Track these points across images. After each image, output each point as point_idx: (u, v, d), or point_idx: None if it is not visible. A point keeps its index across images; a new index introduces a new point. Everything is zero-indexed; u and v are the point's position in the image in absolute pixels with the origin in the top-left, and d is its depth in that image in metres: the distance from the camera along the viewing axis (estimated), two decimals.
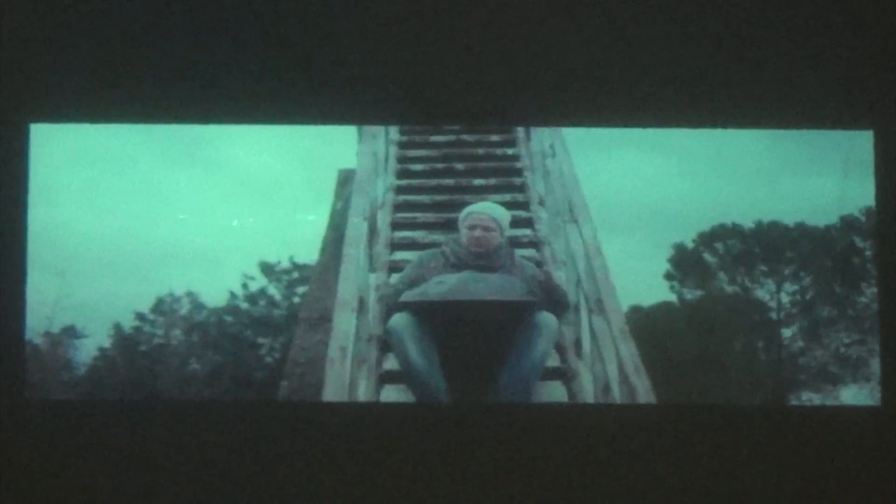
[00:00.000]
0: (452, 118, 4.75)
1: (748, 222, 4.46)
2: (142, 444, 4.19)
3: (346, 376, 4.25)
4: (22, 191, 4.27)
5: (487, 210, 5.08)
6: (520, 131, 5.88)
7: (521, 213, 5.54)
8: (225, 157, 4.52)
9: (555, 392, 4.54)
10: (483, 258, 4.94)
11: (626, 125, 4.37)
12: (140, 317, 4.47)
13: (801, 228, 4.41)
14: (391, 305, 4.81)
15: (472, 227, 4.99)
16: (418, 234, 5.50)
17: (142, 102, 4.32)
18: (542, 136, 5.62)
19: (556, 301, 4.80)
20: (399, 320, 4.64)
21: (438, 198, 5.60)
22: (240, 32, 4.32)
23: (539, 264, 5.23)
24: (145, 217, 4.37)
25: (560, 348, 4.71)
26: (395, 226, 5.54)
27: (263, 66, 4.32)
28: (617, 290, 4.48)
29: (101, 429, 4.20)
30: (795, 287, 4.48)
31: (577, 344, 4.76)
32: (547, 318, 4.65)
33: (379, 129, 5.57)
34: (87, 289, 4.34)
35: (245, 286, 4.56)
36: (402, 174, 5.87)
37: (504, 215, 5.10)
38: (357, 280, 4.72)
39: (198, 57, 4.31)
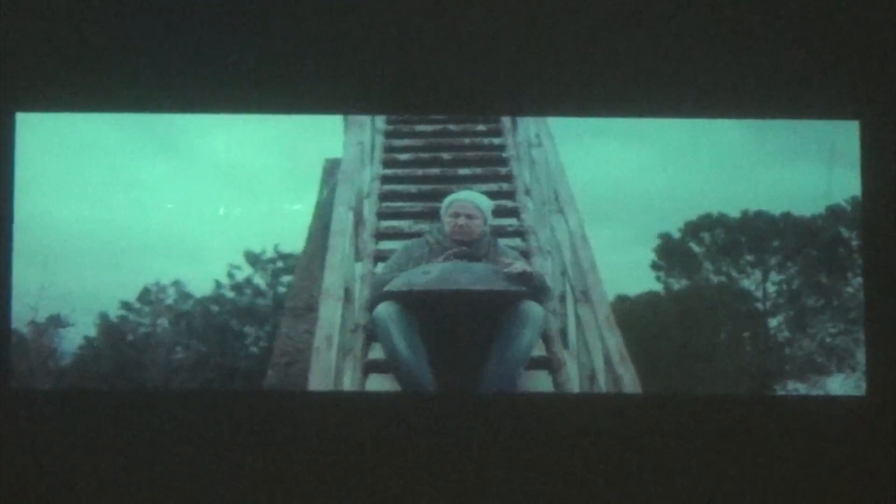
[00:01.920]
0: (438, 108, 4.78)
1: (734, 212, 4.46)
2: (128, 434, 4.20)
3: (331, 366, 4.28)
4: (7, 180, 4.26)
5: (469, 198, 5.06)
6: (506, 121, 5.86)
7: (507, 203, 5.54)
8: (211, 147, 4.51)
9: (541, 381, 4.53)
10: (466, 247, 4.90)
11: (611, 115, 4.37)
12: (126, 306, 4.46)
13: (788, 218, 4.41)
14: (377, 294, 4.75)
15: (454, 216, 4.96)
16: (404, 224, 5.49)
17: (128, 92, 4.32)
18: (528, 126, 5.61)
19: (537, 288, 4.74)
20: (385, 310, 4.60)
21: (424, 187, 5.59)
22: (226, 23, 4.32)
23: (525, 254, 5.20)
24: (131, 207, 4.36)
25: (546, 338, 4.70)
26: (381, 215, 5.52)
27: (251, 55, 4.32)
28: (603, 279, 4.48)
29: (86, 418, 4.20)
30: (781, 277, 4.49)
31: (563, 333, 4.79)
32: (532, 308, 4.61)
33: (365, 119, 5.56)
34: (73, 278, 4.33)
35: (231, 276, 4.55)
36: (388, 163, 5.85)
37: (486, 203, 5.07)
38: (343, 270, 4.75)
39: (185, 46, 4.31)
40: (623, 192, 4.49)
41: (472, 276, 4.73)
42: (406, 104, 4.54)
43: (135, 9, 4.32)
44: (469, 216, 4.97)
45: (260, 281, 4.64)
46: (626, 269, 4.51)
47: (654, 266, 4.51)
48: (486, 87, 4.41)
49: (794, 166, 4.38)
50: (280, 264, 4.68)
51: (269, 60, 4.32)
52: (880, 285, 4.24)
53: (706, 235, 4.51)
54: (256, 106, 4.35)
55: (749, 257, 4.51)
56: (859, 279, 4.30)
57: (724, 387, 4.37)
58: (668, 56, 4.35)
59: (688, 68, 4.34)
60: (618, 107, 4.36)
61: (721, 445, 4.18)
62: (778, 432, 4.20)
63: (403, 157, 5.88)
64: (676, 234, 4.49)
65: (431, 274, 4.76)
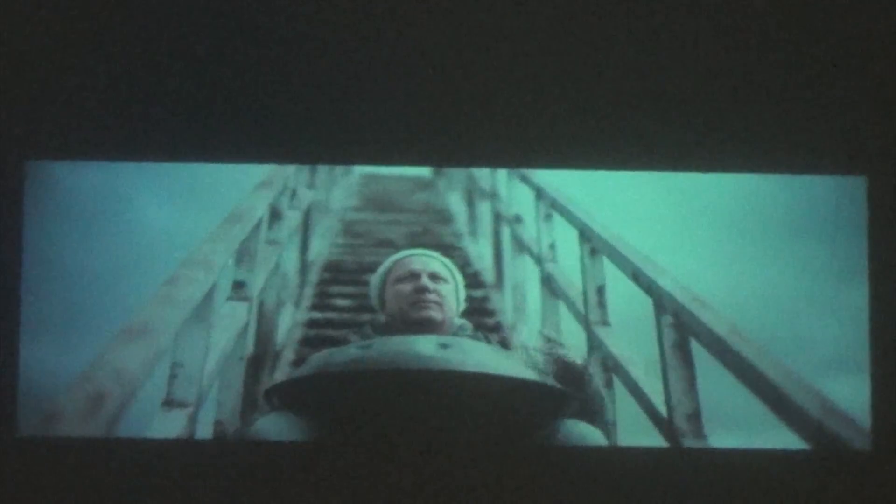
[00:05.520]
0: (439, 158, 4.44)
1: None
2: (139, 485, 4.15)
3: None
4: (17, 229, 4.26)
5: (430, 253, 3.74)
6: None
7: None
8: (225, 196, 4.52)
9: None
10: (434, 330, 3.42)
11: (607, 168, 4.32)
12: None
13: None
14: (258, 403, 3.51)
15: (408, 277, 3.56)
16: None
17: (141, 140, 4.32)
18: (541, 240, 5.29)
19: (591, 396, 3.30)
20: (268, 426, 3.22)
21: None
22: (242, 71, 4.34)
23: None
24: (143, 257, 4.35)
25: None
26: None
27: (266, 104, 4.33)
28: None
29: (95, 467, 4.17)
30: None
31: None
32: (586, 432, 3.20)
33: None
34: (82, 327, 4.31)
35: None
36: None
37: (456, 269, 3.74)
38: None
39: (201, 94, 4.33)
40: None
41: (462, 354, 3.10)
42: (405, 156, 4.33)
43: (148, 56, 4.35)
44: (434, 276, 3.57)
45: None
46: None
47: None
48: (487, 138, 4.30)
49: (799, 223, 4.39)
50: None
51: (285, 109, 4.33)
52: (886, 339, 4.24)
53: None
54: (268, 155, 4.35)
55: None
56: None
57: None
58: (668, 109, 4.36)
59: (689, 122, 4.35)
60: (614, 160, 4.32)
61: (724, 500, 4.16)
62: (781, 487, 4.17)
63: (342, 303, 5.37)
64: None
65: (374, 348, 3.16)
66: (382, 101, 4.31)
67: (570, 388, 3.25)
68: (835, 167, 4.29)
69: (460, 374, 3.04)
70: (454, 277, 3.65)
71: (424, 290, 3.49)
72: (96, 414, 2.96)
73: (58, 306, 4.24)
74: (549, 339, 3.33)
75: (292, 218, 5.28)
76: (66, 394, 3.01)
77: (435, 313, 3.46)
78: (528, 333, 4.96)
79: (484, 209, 6.23)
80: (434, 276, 3.56)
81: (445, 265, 3.67)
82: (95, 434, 3.03)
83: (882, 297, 4.26)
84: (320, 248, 5.96)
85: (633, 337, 4.43)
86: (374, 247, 6.07)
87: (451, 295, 3.58)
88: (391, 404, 3.15)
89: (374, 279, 3.71)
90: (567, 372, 3.27)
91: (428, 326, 3.44)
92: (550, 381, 3.18)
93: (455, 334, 3.45)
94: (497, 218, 5.93)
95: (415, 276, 3.54)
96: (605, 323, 4.56)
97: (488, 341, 3.51)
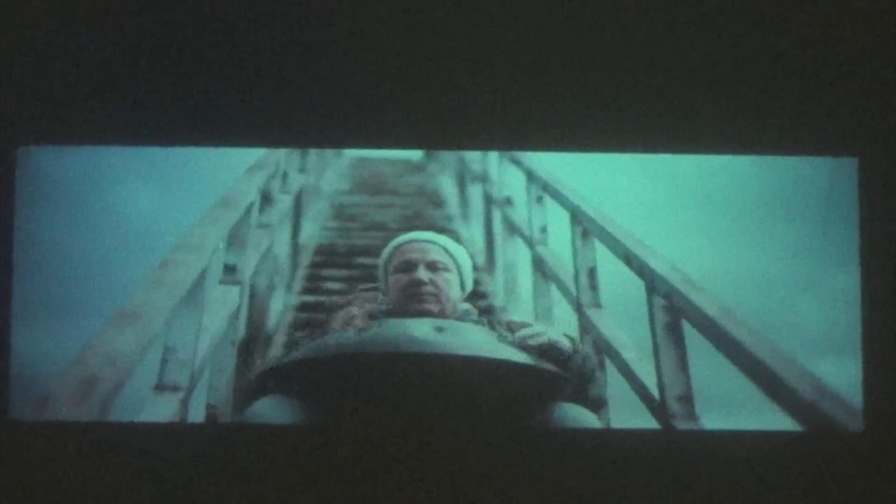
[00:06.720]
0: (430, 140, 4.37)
1: None
2: (131, 468, 4.15)
3: None
4: (9, 215, 4.24)
5: (430, 237, 3.58)
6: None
7: None
8: (218, 182, 4.51)
9: None
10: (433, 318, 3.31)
11: (599, 150, 4.31)
12: None
13: None
14: (257, 375, 3.39)
15: (405, 267, 3.44)
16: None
17: (132, 125, 4.30)
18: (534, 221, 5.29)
19: (581, 373, 3.25)
20: (263, 409, 3.19)
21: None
22: (235, 55, 4.32)
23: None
24: (134, 241, 4.33)
25: None
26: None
27: (256, 89, 4.31)
28: None
29: (87, 451, 4.16)
30: None
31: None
32: (579, 416, 3.21)
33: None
34: (76, 311, 4.30)
35: None
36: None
37: (461, 252, 3.58)
38: None
39: (193, 78, 4.31)
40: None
41: (457, 337, 3.11)
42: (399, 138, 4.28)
43: (138, 42, 4.33)
44: (432, 266, 3.44)
45: None
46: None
47: None
48: (480, 119, 4.26)
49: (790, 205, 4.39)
50: None
51: (275, 93, 4.31)
52: (878, 322, 4.24)
53: None
54: (258, 139, 4.34)
55: None
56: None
57: None
58: (659, 92, 4.33)
59: (680, 104, 4.34)
60: (605, 142, 4.29)
61: (710, 483, 4.16)
62: (774, 469, 4.18)
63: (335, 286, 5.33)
64: None
65: (370, 331, 3.16)
66: (373, 84, 4.29)
67: (561, 367, 3.23)
68: (826, 148, 4.27)
69: (454, 357, 3.04)
70: (456, 263, 3.52)
71: (419, 283, 3.40)
72: (89, 397, 3.00)
73: (49, 290, 4.22)
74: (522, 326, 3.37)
75: (284, 201, 5.28)
76: (58, 377, 3.03)
77: (431, 306, 3.38)
78: (518, 317, 4.90)
79: (475, 192, 6.24)
80: (432, 266, 3.45)
81: (447, 250, 3.53)
82: (88, 418, 3.05)
83: (873, 278, 4.26)
84: (312, 232, 5.96)
85: (624, 319, 4.44)
86: (365, 230, 6.08)
87: (452, 283, 3.47)
88: (385, 387, 3.16)
89: (379, 264, 3.63)
90: (553, 349, 3.24)
91: (426, 316, 3.35)
92: (545, 365, 3.17)
93: (459, 319, 3.39)
94: (488, 201, 5.95)
95: (411, 266, 3.45)
96: (597, 305, 4.59)
97: (492, 327, 3.42)
